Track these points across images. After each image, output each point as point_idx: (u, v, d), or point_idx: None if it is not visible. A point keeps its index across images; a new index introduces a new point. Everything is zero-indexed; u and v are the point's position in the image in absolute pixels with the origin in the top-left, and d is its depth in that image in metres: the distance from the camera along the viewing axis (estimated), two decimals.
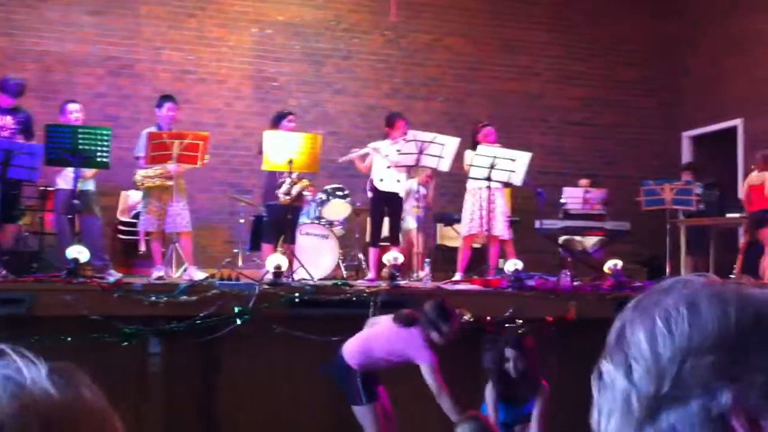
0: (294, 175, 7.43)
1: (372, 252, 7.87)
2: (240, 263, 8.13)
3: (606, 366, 0.79)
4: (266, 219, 7.77)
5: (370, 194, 8.01)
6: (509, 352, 5.04)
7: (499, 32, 11.35)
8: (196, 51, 10.28)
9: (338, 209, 8.51)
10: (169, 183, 7.16)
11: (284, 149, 7.19)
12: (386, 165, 7.74)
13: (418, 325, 4.91)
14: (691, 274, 0.84)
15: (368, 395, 5.06)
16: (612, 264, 7.34)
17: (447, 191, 10.58)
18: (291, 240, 7.37)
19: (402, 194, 7.98)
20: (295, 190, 7.46)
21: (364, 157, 8.12)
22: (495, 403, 5.16)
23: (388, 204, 7.90)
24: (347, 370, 5.04)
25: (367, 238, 9.20)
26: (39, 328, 5.75)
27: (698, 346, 0.73)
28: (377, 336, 5.11)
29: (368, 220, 9.28)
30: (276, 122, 7.76)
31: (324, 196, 8.46)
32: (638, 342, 0.77)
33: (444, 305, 5.03)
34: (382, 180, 7.80)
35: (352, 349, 5.09)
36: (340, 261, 8.02)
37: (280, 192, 7.30)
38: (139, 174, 7.32)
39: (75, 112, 7.64)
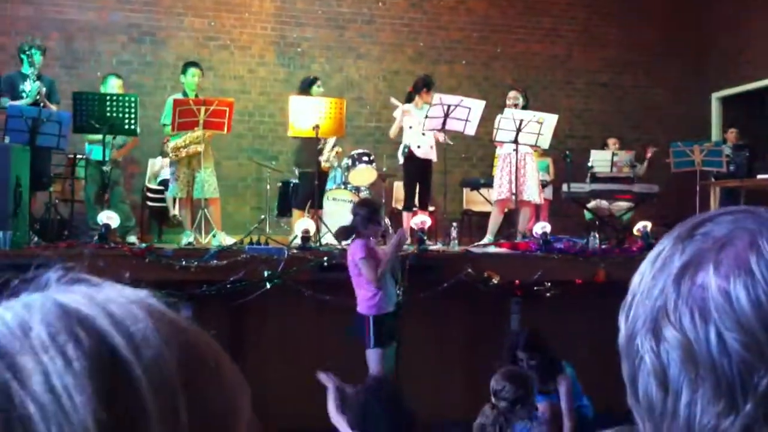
0: (331, 141, 7.57)
1: (405, 216, 7.89)
2: (268, 229, 8.16)
3: (670, 329, 0.63)
4: (300, 186, 7.78)
5: (402, 160, 7.95)
6: (521, 354, 5.11)
7: None
8: (218, 17, 10.23)
9: (364, 175, 8.49)
10: (199, 148, 7.17)
11: (310, 114, 7.18)
12: (421, 132, 7.70)
13: (356, 236, 5.47)
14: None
15: (376, 340, 5.40)
16: (641, 226, 7.29)
17: (472, 155, 10.53)
18: (318, 205, 7.40)
19: (435, 160, 7.96)
20: (333, 157, 7.62)
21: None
22: None
23: (421, 170, 7.87)
24: (362, 319, 5.44)
25: (394, 204, 9.21)
26: None
27: None
28: (350, 272, 5.50)
29: (396, 185, 9.29)
30: (306, 88, 7.73)
31: (350, 162, 8.44)
32: (738, 307, 0.60)
33: (370, 203, 5.90)
34: (419, 147, 7.77)
35: (357, 299, 5.50)
36: None
37: (322, 159, 7.39)
38: (170, 147, 7.33)
39: (116, 88, 7.68)
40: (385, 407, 3.56)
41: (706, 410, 0.61)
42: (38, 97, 7.31)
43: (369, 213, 5.48)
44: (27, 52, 7.42)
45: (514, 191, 7.60)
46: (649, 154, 9.59)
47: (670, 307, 0.63)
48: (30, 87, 7.35)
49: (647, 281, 0.67)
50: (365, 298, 5.44)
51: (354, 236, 5.57)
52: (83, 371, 0.45)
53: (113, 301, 0.50)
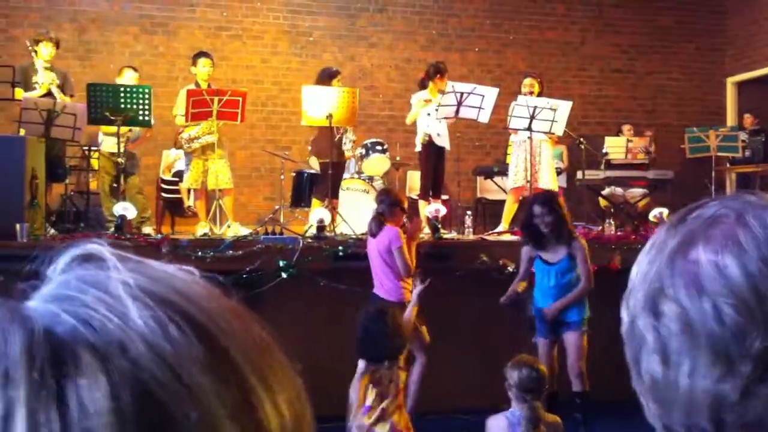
0: (350, 131, 7.59)
1: (421, 205, 7.86)
2: (282, 219, 8.16)
3: (668, 304, 0.68)
4: (321, 176, 7.74)
5: (419, 148, 7.89)
6: (536, 209, 5.35)
7: None
8: (230, 7, 10.23)
9: (378, 164, 8.48)
10: (212, 139, 7.19)
11: (323, 104, 7.17)
12: (438, 119, 7.65)
13: (384, 224, 5.38)
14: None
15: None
16: (657, 212, 7.25)
17: (485, 143, 10.50)
18: (334, 195, 7.41)
19: (449, 148, 7.91)
20: (351, 145, 7.70)
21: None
22: (528, 262, 5.58)
23: (437, 157, 7.85)
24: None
25: (408, 192, 9.20)
26: None
27: None
28: (373, 261, 5.48)
29: (410, 174, 9.26)
30: (327, 79, 7.67)
31: (363, 151, 8.42)
32: (729, 276, 0.65)
33: (391, 191, 5.86)
34: (439, 135, 7.73)
35: (381, 287, 5.46)
36: None
37: (345, 148, 7.54)
38: (184, 139, 7.35)
39: (133, 80, 7.77)
40: (383, 333, 3.85)
41: (706, 377, 0.65)
42: (51, 87, 7.35)
43: (393, 199, 5.47)
44: (38, 44, 7.46)
45: (528, 179, 7.58)
46: (651, 147, 9.49)
47: (666, 285, 0.69)
48: (42, 79, 7.38)
49: (644, 268, 0.73)
50: (394, 287, 5.42)
51: (382, 224, 5.49)
52: (198, 357, 0.43)
53: (175, 278, 0.48)
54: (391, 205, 5.40)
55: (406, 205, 5.57)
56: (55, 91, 7.38)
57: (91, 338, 0.42)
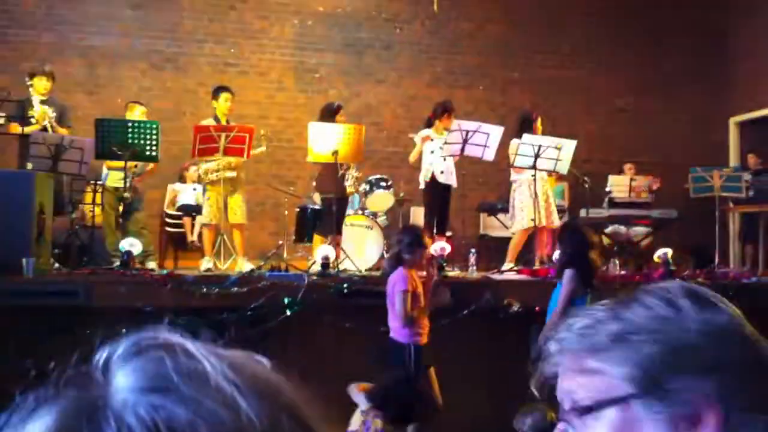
0: (353, 167, 7.63)
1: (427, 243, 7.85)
2: (285, 255, 8.17)
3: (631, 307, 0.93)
4: (324, 211, 7.75)
5: (423, 186, 7.91)
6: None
7: (542, 18, 11.23)
8: (237, 43, 10.33)
9: (382, 200, 8.50)
10: (231, 174, 7.25)
11: (329, 140, 7.21)
12: (442, 157, 7.68)
13: (397, 265, 5.38)
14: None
15: (416, 369, 5.32)
16: (662, 253, 7.25)
17: (489, 180, 10.52)
18: (338, 231, 7.41)
19: (455, 186, 7.93)
20: (352, 181, 7.75)
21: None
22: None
23: (442, 195, 7.86)
24: (400, 348, 5.35)
25: None
26: (93, 320, 5.82)
27: None
28: (388, 299, 5.44)
29: (413, 210, 9.28)
30: (330, 116, 7.70)
31: (367, 187, 8.45)
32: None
33: (413, 229, 5.90)
34: (442, 172, 7.75)
35: (390, 327, 5.44)
36: (384, 251, 8.01)
37: (347, 184, 7.61)
38: (202, 168, 7.39)
39: (142, 115, 7.83)
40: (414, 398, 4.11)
41: None
42: (46, 122, 7.38)
43: (413, 238, 5.43)
44: (32, 78, 7.53)
45: (533, 217, 7.58)
46: (655, 186, 9.52)
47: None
48: (36, 113, 7.42)
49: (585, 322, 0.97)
50: (398, 328, 5.39)
51: (398, 264, 5.44)
52: None
53: (256, 367, 0.50)
54: (408, 245, 5.37)
55: (427, 243, 5.58)
56: (49, 125, 7.39)
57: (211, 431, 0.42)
